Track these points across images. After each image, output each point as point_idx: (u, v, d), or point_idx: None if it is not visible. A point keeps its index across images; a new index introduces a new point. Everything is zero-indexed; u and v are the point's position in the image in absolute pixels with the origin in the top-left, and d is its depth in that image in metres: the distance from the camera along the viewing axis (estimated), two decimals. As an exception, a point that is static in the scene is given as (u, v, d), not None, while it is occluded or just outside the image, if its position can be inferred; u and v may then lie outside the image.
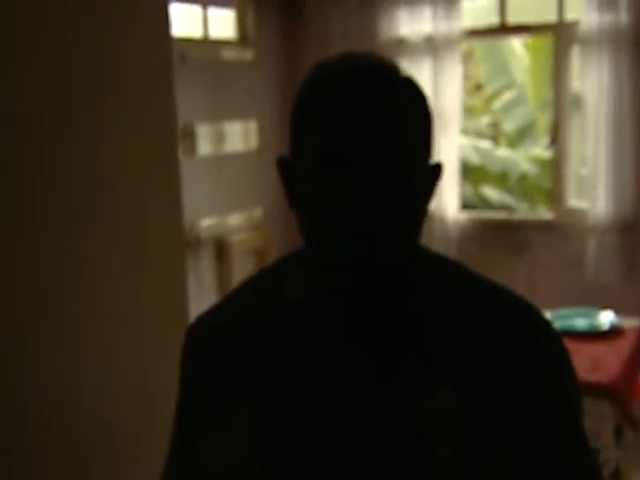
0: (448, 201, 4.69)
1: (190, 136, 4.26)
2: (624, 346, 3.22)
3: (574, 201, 4.65)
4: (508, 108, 6.71)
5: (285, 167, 1.08)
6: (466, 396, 1.04)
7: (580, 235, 4.45)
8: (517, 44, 6.82)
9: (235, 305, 1.17)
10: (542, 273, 4.56)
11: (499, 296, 1.10)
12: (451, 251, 4.54)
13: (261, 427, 1.08)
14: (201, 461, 1.16)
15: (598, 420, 2.85)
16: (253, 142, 4.75)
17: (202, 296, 4.04)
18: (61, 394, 1.97)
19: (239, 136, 4.74)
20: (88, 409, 2.03)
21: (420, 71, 4.66)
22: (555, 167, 4.68)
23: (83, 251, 2.03)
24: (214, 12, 4.53)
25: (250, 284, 1.19)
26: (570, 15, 4.46)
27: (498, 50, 6.59)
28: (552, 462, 1.06)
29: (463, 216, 4.79)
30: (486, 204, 6.38)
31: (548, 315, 3.38)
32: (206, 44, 4.43)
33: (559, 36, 4.53)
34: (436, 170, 1.08)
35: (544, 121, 6.60)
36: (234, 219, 4.69)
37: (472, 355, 1.05)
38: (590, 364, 3.00)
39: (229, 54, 4.57)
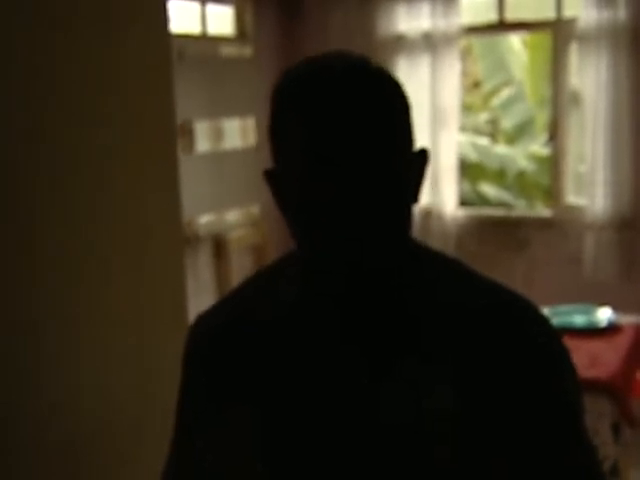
0: (446, 198, 4.69)
1: (188, 133, 4.25)
2: (622, 343, 3.23)
3: (572, 198, 4.66)
4: (506, 105, 6.71)
5: (272, 178, 1.07)
6: (465, 394, 1.03)
7: (578, 232, 4.45)
8: (515, 41, 6.82)
9: (234, 305, 1.18)
10: (540, 270, 4.56)
11: (498, 294, 1.10)
12: (449, 248, 4.54)
13: (258, 426, 1.08)
14: (201, 459, 1.16)
15: (596, 417, 2.85)
16: (251, 139, 4.75)
17: (200, 292, 4.04)
18: (60, 393, 1.97)
19: (237, 133, 4.74)
20: (87, 408, 2.03)
21: (418, 68, 4.66)
22: (553, 164, 4.68)
23: (82, 249, 2.03)
24: (212, 8, 4.53)
25: (248, 284, 1.20)
26: (568, 12, 4.46)
27: (496, 47, 6.59)
28: (552, 460, 1.06)
29: (461, 213, 4.79)
30: (484, 201, 6.38)
31: (546, 312, 3.38)
32: (204, 40, 4.43)
33: (557, 33, 4.53)
34: (421, 156, 1.07)
35: (542, 118, 6.60)
36: (232, 216, 4.69)
37: (471, 353, 1.04)
38: (588, 361, 3.01)
39: (227, 50, 4.57)
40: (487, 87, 6.91)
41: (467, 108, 7.27)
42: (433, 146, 4.62)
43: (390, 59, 4.69)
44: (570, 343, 3.21)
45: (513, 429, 1.05)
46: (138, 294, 2.19)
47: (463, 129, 5.79)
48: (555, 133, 4.65)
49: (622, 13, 4.16)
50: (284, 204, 1.06)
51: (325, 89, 0.98)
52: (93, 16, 2.04)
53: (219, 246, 4.48)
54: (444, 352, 1.05)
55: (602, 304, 3.68)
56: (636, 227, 4.33)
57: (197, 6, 4.41)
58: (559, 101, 4.57)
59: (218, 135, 4.54)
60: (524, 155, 6.57)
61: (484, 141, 6.79)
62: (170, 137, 2.31)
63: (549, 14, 4.59)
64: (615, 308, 3.62)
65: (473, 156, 6.39)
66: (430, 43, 4.62)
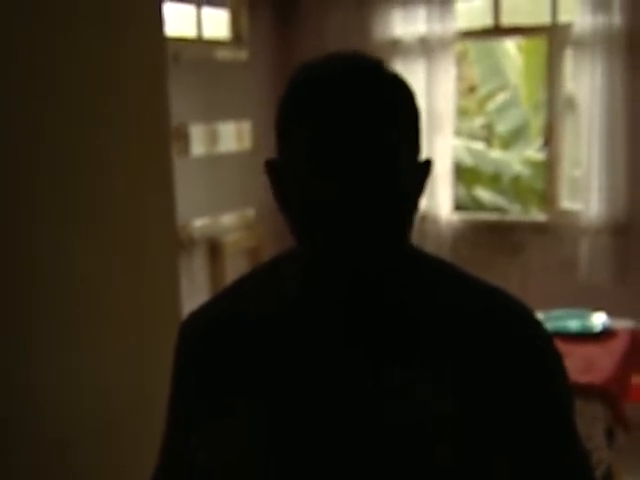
0: (441, 202, 4.69)
1: (183, 136, 4.25)
2: (616, 347, 3.23)
3: (567, 203, 4.66)
4: (502, 110, 6.72)
5: (274, 170, 1.07)
6: (462, 396, 1.04)
7: (573, 237, 4.46)
8: (511, 46, 6.84)
9: (229, 301, 1.17)
10: (535, 274, 4.56)
11: (493, 297, 1.10)
12: (444, 252, 4.55)
13: (255, 421, 1.08)
14: (193, 456, 1.16)
15: (590, 422, 2.85)
16: (246, 142, 4.74)
17: (195, 296, 4.03)
18: (57, 393, 1.96)
19: (232, 136, 4.73)
20: (83, 408, 2.03)
21: (414, 72, 4.67)
22: (548, 169, 4.69)
23: (78, 251, 2.03)
24: (208, 12, 4.52)
25: (244, 281, 1.19)
26: (564, 17, 4.47)
27: (492, 52, 6.60)
28: (545, 463, 1.06)
29: (456, 217, 4.80)
30: (479, 205, 6.39)
31: (541, 316, 3.38)
32: (200, 44, 4.42)
33: (552, 38, 4.53)
34: (426, 166, 1.07)
35: (537, 123, 6.61)
36: (227, 219, 4.69)
37: (467, 356, 1.05)
38: (582, 365, 3.01)
39: (223, 54, 4.57)
40: (482, 92, 6.92)
41: (462, 113, 7.28)
42: (428, 150, 4.63)
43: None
44: (564, 348, 3.22)
45: (507, 431, 1.05)
46: (132, 296, 2.19)
47: (458, 133, 5.80)
48: (550, 138, 4.66)
49: (617, 19, 4.17)
50: (283, 198, 1.06)
51: (337, 91, 0.98)
52: (88, 19, 2.04)
53: (214, 249, 4.48)
54: (442, 354, 1.05)
55: (597, 309, 3.68)
56: (631, 232, 4.34)
57: (192, 9, 4.41)
58: (554, 106, 4.58)
59: (213, 138, 4.53)
60: (519, 160, 6.58)
61: (479, 146, 6.80)
62: (165, 140, 2.31)
63: (544, 19, 4.60)
64: (609, 313, 3.63)
65: (468, 161, 6.40)
66: (426, 48, 4.63)
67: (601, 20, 4.18)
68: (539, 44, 6.11)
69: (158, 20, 2.28)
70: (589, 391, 2.86)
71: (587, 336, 3.34)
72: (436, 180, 4.66)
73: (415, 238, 1.08)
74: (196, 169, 4.34)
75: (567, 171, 4.78)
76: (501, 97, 6.71)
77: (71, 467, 2.01)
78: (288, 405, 1.06)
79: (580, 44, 4.26)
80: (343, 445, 1.04)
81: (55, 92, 1.94)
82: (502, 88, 6.70)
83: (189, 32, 4.41)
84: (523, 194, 6.56)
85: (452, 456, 1.04)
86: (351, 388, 1.05)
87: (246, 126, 4.71)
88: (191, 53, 4.26)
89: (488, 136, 7.20)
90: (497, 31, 4.75)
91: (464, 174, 6.36)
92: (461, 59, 6.92)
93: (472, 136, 7.03)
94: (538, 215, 5.14)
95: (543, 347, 1.08)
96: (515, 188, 6.58)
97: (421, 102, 4.65)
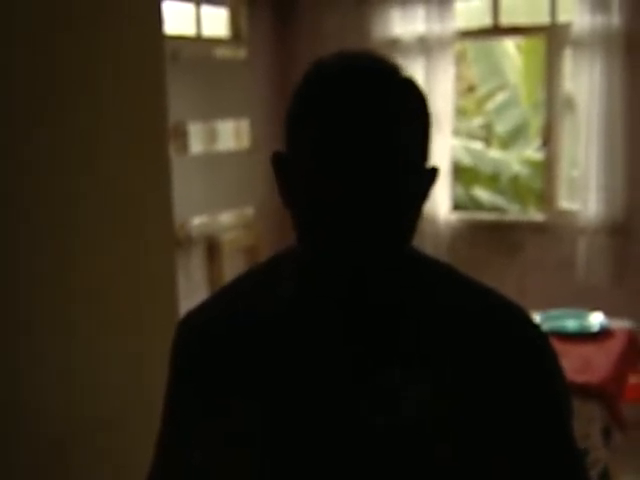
0: (439, 202, 4.70)
1: (182, 134, 4.25)
2: (613, 347, 3.24)
3: (565, 203, 4.67)
4: (500, 109, 6.72)
5: (280, 163, 1.07)
6: (460, 397, 1.04)
7: (571, 237, 4.46)
8: (510, 46, 6.83)
9: (227, 300, 1.17)
10: (533, 274, 4.57)
11: (491, 299, 1.11)
12: (442, 251, 4.55)
13: (250, 421, 1.08)
14: (189, 456, 1.16)
15: (587, 421, 2.86)
16: (245, 141, 4.75)
17: (193, 295, 4.03)
18: (56, 392, 1.97)
19: (231, 135, 4.74)
20: (83, 406, 2.03)
21: (413, 71, 4.65)
22: (546, 168, 4.69)
23: (76, 250, 2.03)
24: (207, 10, 4.52)
25: (241, 281, 1.20)
26: (562, 17, 4.47)
27: (491, 52, 6.60)
28: (538, 463, 1.06)
29: (454, 217, 4.80)
30: (477, 205, 6.39)
31: (538, 316, 3.39)
32: (199, 42, 4.42)
33: (551, 38, 4.54)
34: (432, 173, 1.07)
35: (537, 123, 6.61)
36: (225, 217, 4.69)
37: (466, 356, 1.05)
38: (579, 365, 3.01)
39: (222, 52, 4.57)
40: (481, 91, 6.92)
41: (461, 112, 7.28)
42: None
43: (384, 62, 4.69)
44: (562, 347, 3.23)
45: (504, 432, 1.05)
46: (130, 294, 2.19)
47: (457, 133, 5.80)
48: (548, 138, 4.66)
49: (616, 19, 4.18)
50: (287, 193, 1.06)
51: (346, 91, 0.98)
52: (87, 17, 2.04)
53: (212, 248, 4.48)
54: (441, 354, 1.05)
55: (594, 309, 3.69)
56: (628, 232, 4.35)
57: (192, 8, 4.41)
58: (552, 106, 4.58)
59: (212, 137, 4.53)
60: (518, 160, 6.58)
61: (478, 145, 6.80)
62: (162, 139, 2.31)
63: (543, 19, 4.60)
64: (607, 313, 3.63)
65: (467, 160, 6.40)
66: (425, 47, 4.63)
67: (600, 20, 4.19)
68: (538, 44, 6.11)
69: (157, 18, 2.28)
70: (586, 391, 2.87)
71: (584, 336, 3.35)
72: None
73: (414, 238, 1.08)
74: (194, 167, 4.34)
75: (565, 171, 4.79)
76: (500, 97, 6.71)
77: (70, 466, 2.01)
78: (284, 406, 1.07)
79: (579, 44, 4.27)
80: (340, 446, 1.04)
81: (54, 90, 1.95)
82: (501, 88, 6.70)
83: (188, 30, 4.41)
84: (522, 194, 6.57)
85: (451, 456, 1.04)
86: (349, 388, 1.05)
87: (245, 124, 4.72)
88: (190, 51, 4.26)
89: (487, 136, 7.20)
90: (496, 31, 4.75)
91: (463, 174, 6.36)
92: (460, 59, 6.92)
93: (471, 136, 7.03)
94: (536, 215, 5.14)
95: (541, 348, 1.09)
96: (514, 188, 6.58)
97: (420, 101, 4.65)
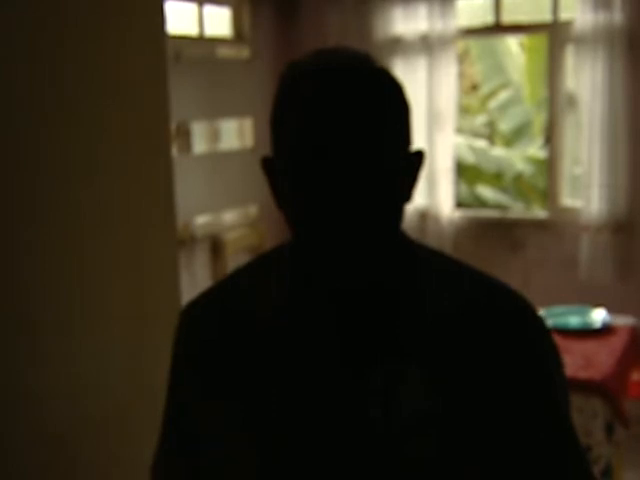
0: (442, 199, 4.70)
1: (185, 134, 4.26)
2: (616, 344, 3.24)
3: (568, 200, 4.67)
4: (504, 107, 6.72)
5: (269, 167, 1.09)
6: (458, 393, 1.04)
7: (574, 234, 4.46)
8: (513, 43, 6.83)
9: (224, 298, 1.18)
10: (536, 271, 4.57)
11: (490, 291, 1.10)
12: (445, 249, 4.55)
13: (248, 416, 1.09)
14: (190, 450, 1.17)
15: (589, 417, 2.86)
16: (248, 140, 4.76)
17: (196, 293, 4.03)
18: (57, 388, 1.98)
19: (234, 134, 4.75)
20: (84, 403, 2.04)
21: (415, 70, 4.68)
22: (549, 166, 4.69)
23: (79, 249, 2.04)
24: (210, 9, 4.54)
25: (240, 275, 1.20)
26: (565, 14, 4.47)
27: (494, 50, 6.60)
28: (539, 457, 1.06)
29: (457, 214, 4.81)
30: (481, 203, 6.39)
31: (542, 313, 3.39)
32: (201, 42, 4.44)
33: (553, 35, 4.54)
34: (417, 158, 1.08)
35: (540, 121, 6.61)
36: (229, 217, 4.70)
37: (463, 352, 1.05)
38: (582, 362, 3.02)
39: (224, 52, 4.58)
40: (485, 89, 6.92)
41: (465, 110, 7.28)
42: (429, 148, 4.64)
43: (387, 61, 4.70)
44: (565, 344, 3.23)
45: (503, 426, 1.05)
46: (132, 293, 2.20)
47: (461, 131, 5.81)
48: (551, 135, 4.66)
49: (618, 16, 4.18)
50: (278, 194, 1.07)
51: (323, 84, 0.99)
52: (90, 17, 2.05)
53: (216, 247, 4.49)
54: (437, 351, 1.05)
55: (597, 305, 3.69)
56: (631, 229, 4.35)
57: (194, 7, 4.42)
58: (555, 103, 4.58)
59: (215, 136, 4.55)
60: (521, 158, 6.58)
61: (482, 143, 6.80)
62: (165, 138, 2.32)
63: (545, 17, 4.61)
64: (610, 310, 3.64)
65: (470, 158, 6.40)
66: (427, 45, 4.64)
67: (602, 17, 4.19)
68: (541, 42, 6.10)
69: (160, 18, 2.29)
70: (589, 387, 2.87)
71: (587, 332, 3.35)
72: (437, 177, 4.68)
73: (416, 235, 1.08)
74: (198, 166, 4.36)
75: (568, 168, 4.79)
76: (503, 95, 6.71)
77: (71, 462, 2.02)
78: (281, 401, 1.07)
79: (581, 41, 4.27)
80: (338, 440, 1.04)
81: (56, 90, 1.95)
82: (504, 86, 6.70)
83: (191, 30, 4.42)
84: (525, 192, 6.57)
85: (449, 448, 1.04)
86: (345, 383, 1.05)
87: (248, 123, 4.73)
88: (193, 51, 4.27)
89: (490, 134, 7.20)
90: (498, 28, 4.75)
91: (466, 172, 6.36)
92: (463, 57, 6.93)
93: (474, 134, 7.03)
94: (539, 212, 5.14)
95: (540, 340, 1.08)
96: (517, 186, 6.59)
97: (422, 100, 4.66)
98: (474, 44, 6.57)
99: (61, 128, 1.98)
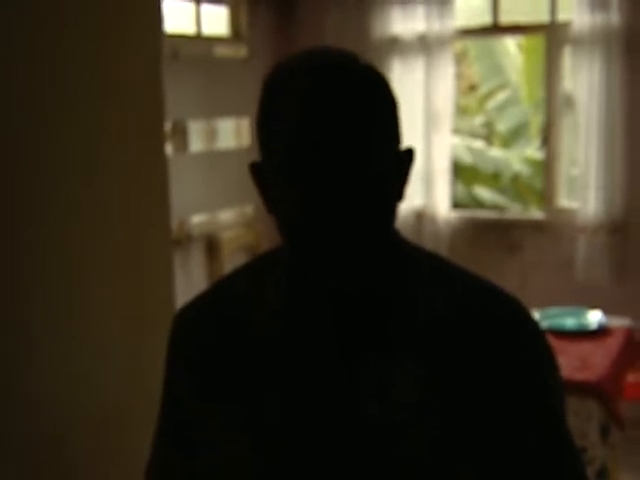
0: (439, 200, 4.70)
1: (182, 132, 4.26)
2: (612, 345, 3.24)
3: (565, 201, 4.67)
4: (502, 108, 6.72)
5: (256, 172, 1.08)
6: (453, 390, 1.04)
7: (570, 235, 4.47)
8: (511, 44, 6.84)
9: (219, 301, 1.18)
10: (532, 272, 4.57)
11: (484, 292, 1.10)
12: (441, 250, 4.55)
13: (242, 420, 1.09)
14: (185, 452, 1.17)
15: (585, 419, 2.86)
16: (245, 139, 4.75)
17: (192, 293, 4.02)
18: (54, 388, 1.97)
19: (231, 133, 4.74)
20: (81, 403, 2.04)
21: (413, 70, 4.67)
22: (546, 167, 4.69)
23: (74, 249, 2.03)
24: (207, 8, 4.53)
25: (236, 277, 1.20)
26: (562, 16, 4.48)
27: (492, 50, 6.61)
28: (533, 458, 1.06)
29: (454, 215, 4.80)
30: (479, 204, 6.39)
31: (537, 314, 3.39)
32: (199, 40, 4.43)
33: (551, 36, 4.54)
34: (407, 155, 1.08)
35: (537, 121, 6.62)
36: (225, 216, 4.69)
37: (458, 350, 1.05)
38: (578, 363, 3.02)
39: (222, 51, 4.58)
40: (483, 90, 6.92)
41: (463, 111, 7.28)
42: (426, 148, 4.63)
43: (384, 61, 4.70)
44: (560, 345, 3.22)
45: (493, 432, 1.05)
46: (127, 293, 2.20)
47: (458, 132, 5.80)
48: (548, 136, 4.66)
49: (615, 17, 4.18)
50: (268, 198, 1.07)
51: (320, 79, 0.99)
52: (87, 15, 2.04)
53: (212, 246, 4.49)
54: (432, 348, 1.05)
55: (593, 307, 3.69)
56: (628, 231, 4.35)
57: (192, 6, 4.42)
58: (552, 104, 4.58)
59: (212, 135, 4.54)
60: (519, 158, 6.58)
61: (479, 144, 6.80)
62: (160, 137, 2.31)
63: (543, 18, 4.61)
64: (606, 311, 3.63)
65: (468, 159, 6.40)
66: (425, 45, 4.63)
67: (599, 18, 4.19)
68: (539, 43, 6.11)
69: (157, 16, 2.28)
70: (584, 388, 2.87)
71: (583, 334, 3.35)
72: (434, 178, 4.67)
73: (412, 236, 1.08)
74: (194, 165, 4.35)
75: (565, 169, 4.79)
76: (501, 96, 6.72)
77: (67, 462, 2.01)
78: (277, 397, 1.07)
79: (578, 42, 4.27)
80: (334, 433, 1.04)
81: (54, 89, 1.95)
82: (502, 87, 6.70)
83: (188, 29, 4.42)
84: (523, 193, 6.57)
85: (443, 442, 1.04)
86: (341, 378, 1.05)
87: (245, 123, 4.72)
88: (190, 50, 4.26)
89: (488, 134, 7.21)
90: (496, 29, 4.75)
91: (464, 172, 6.36)
92: (461, 58, 6.93)
93: (472, 134, 7.03)
94: (536, 213, 5.14)
95: (533, 345, 1.08)
96: (515, 187, 6.59)
97: (419, 100, 4.65)
98: (472, 45, 6.57)
99: (61, 128, 1.98)
